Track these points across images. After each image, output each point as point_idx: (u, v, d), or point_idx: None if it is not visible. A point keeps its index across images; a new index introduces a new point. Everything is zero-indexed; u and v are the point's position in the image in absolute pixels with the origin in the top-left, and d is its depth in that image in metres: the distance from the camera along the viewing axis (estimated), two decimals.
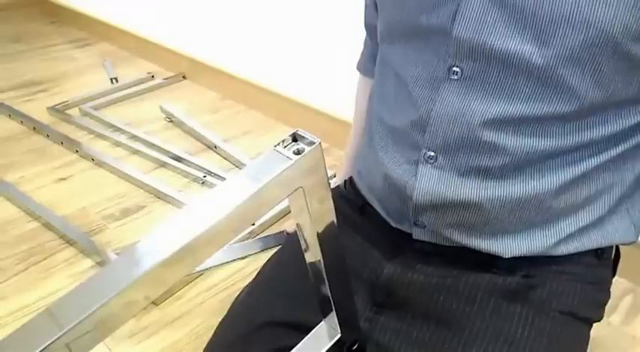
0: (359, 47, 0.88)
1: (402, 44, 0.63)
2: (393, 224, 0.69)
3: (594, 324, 0.68)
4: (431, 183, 0.61)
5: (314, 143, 0.39)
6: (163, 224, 0.36)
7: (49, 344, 0.30)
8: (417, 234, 0.66)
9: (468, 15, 0.54)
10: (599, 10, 0.48)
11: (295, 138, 0.39)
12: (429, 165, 0.61)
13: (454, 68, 0.57)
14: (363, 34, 0.85)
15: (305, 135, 0.39)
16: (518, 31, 0.52)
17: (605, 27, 0.49)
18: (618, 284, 1.25)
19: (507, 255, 0.62)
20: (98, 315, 0.32)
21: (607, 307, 0.69)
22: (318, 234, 0.45)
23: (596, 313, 0.68)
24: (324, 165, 0.41)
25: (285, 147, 0.39)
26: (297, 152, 0.38)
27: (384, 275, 0.68)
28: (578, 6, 0.49)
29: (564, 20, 0.49)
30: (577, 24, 0.49)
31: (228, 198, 0.36)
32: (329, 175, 0.41)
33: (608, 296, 0.70)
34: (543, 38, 0.51)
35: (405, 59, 0.63)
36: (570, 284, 0.64)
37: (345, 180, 0.80)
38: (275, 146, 0.40)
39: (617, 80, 0.53)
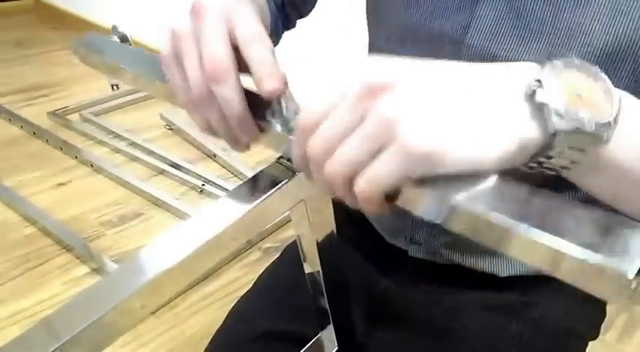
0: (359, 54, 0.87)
1: (413, 46, 0.60)
2: (388, 239, 0.69)
3: (590, 342, 0.68)
4: None
5: None
6: (166, 234, 0.36)
7: None
8: (413, 252, 0.66)
9: (482, 24, 0.52)
10: (619, 20, 0.46)
11: None
12: None
13: None
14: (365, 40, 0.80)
15: None
16: (535, 42, 0.50)
17: (625, 38, 0.47)
18: (614, 301, 1.26)
19: (503, 274, 0.62)
20: (96, 326, 0.32)
21: (602, 324, 0.69)
22: (317, 243, 0.46)
23: (592, 331, 0.68)
24: None
25: (289, 159, 0.39)
26: None
27: (380, 291, 0.68)
28: (597, 15, 0.47)
29: (583, 31, 0.48)
30: (596, 35, 0.47)
31: (230, 209, 0.36)
32: None
33: (604, 314, 0.70)
34: (560, 49, 0.49)
35: None
36: (566, 302, 0.64)
37: None
38: (278, 158, 0.40)
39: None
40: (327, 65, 1.73)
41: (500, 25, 0.51)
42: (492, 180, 0.31)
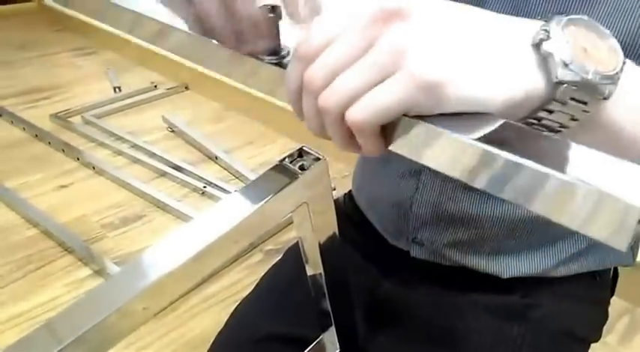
0: None
1: None
2: (390, 241, 0.69)
3: (591, 344, 0.68)
4: (432, 194, 0.61)
5: (319, 159, 0.39)
6: (168, 236, 0.36)
7: None
8: (416, 252, 0.66)
9: None
10: (622, 19, 0.46)
11: (301, 153, 0.40)
12: (432, 176, 0.61)
13: None
14: None
15: (310, 151, 0.40)
16: None
17: (629, 35, 0.47)
18: (615, 304, 1.25)
19: (506, 276, 0.62)
20: (99, 329, 0.32)
21: (604, 327, 0.69)
22: (319, 245, 0.46)
23: (594, 333, 0.68)
24: (329, 180, 0.41)
25: (291, 162, 0.39)
26: (303, 168, 0.39)
27: (382, 293, 0.68)
28: (601, 15, 0.47)
29: None
30: None
31: (233, 212, 0.36)
32: None
33: (606, 317, 0.70)
34: None
35: None
36: (568, 304, 0.64)
37: (345, 195, 0.80)
38: (280, 161, 0.40)
39: None
40: None
41: None
42: (498, 123, 0.30)
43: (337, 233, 0.47)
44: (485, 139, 0.29)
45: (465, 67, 0.30)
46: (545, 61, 0.31)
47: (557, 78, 0.31)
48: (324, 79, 0.32)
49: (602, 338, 0.69)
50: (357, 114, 0.31)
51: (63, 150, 1.83)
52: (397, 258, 0.68)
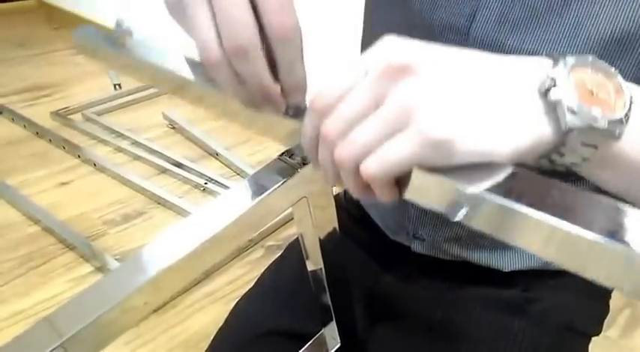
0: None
1: (412, 38, 0.59)
2: (390, 236, 0.69)
3: (592, 338, 0.68)
4: None
5: None
6: (168, 231, 0.36)
7: None
8: (416, 248, 0.66)
9: (488, 14, 0.51)
10: (626, 9, 0.46)
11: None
12: None
13: None
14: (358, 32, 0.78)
15: None
16: (542, 31, 0.50)
17: (633, 25, 0.47)
18: (617, 297, 1.25)
19: (507, 269, 0.62)
20: (99, 324, 0.32)
21: (605, 320, 0.69)
22: (320, 240, 0.46)
23: (595, 327, 0.68)
24: None
25: (291, 156, 0.39)
26: (302, 162, 0.39)
27: (381, 287, 0.68)
28: (605, 4, 0.47)
29: (590, 20, 0.47)
30: (603, 23, 0.47)
31: (232, 206, 0.36)
32: None
33: (607, 311, 0.70)
34: (567, 40, 0.49)
35: None
36: (569, 298, 0.64)
37: (345, 190, 0.80)
38: (280, 155, 0.40)
39: None
40: (318, 55, 1.73)
41: (507, 15, 0.51)
42: (508, 171, 0.31)
43: (337, 228, 0.47)
44: (496, 189, 0.29)
45: (472, 122, 0.31)
46: (553, 108, 0.31)
47: (566, 126, 0.31)
48: (339, 133, 0.33)
49: (603, 332, 0.69)
50: (370, 167, 0.32)
51: (64, 148, 1.83)
52: (398, 252, 0.68)
